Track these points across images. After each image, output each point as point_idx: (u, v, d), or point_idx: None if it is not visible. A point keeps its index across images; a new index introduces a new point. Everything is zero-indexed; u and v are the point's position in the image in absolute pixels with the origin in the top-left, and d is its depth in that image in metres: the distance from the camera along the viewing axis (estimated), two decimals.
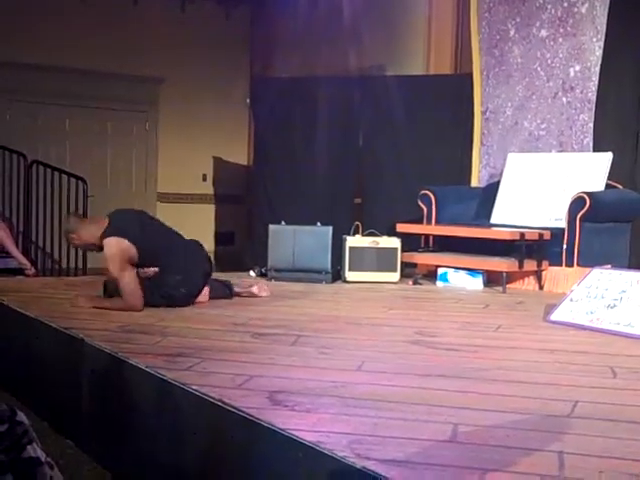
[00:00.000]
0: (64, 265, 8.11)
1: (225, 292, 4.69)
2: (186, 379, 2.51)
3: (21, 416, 1.57)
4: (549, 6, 6.32)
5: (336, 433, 1.98)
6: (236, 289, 4.76)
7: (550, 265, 5.52)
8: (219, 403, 2.25)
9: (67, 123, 9.50)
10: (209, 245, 10.26)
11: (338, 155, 7.63)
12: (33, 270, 7.18)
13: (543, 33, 6.37)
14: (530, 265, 5.46)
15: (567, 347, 3.43)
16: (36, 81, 8.80)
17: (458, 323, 4.03)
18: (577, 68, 6.16)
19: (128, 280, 4.05)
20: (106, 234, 4.11)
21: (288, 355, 3.04)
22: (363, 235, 5.97)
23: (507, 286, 5.40)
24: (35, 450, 1.54)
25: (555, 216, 5.64)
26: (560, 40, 6.26)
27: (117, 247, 4.07)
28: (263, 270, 5.97)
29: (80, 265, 7.87)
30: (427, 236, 6.19)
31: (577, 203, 5.36)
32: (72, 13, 8.97)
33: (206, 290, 4.46)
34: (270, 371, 2.73)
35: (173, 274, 4.26)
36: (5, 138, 8.51)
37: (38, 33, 8.73)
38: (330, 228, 5.77)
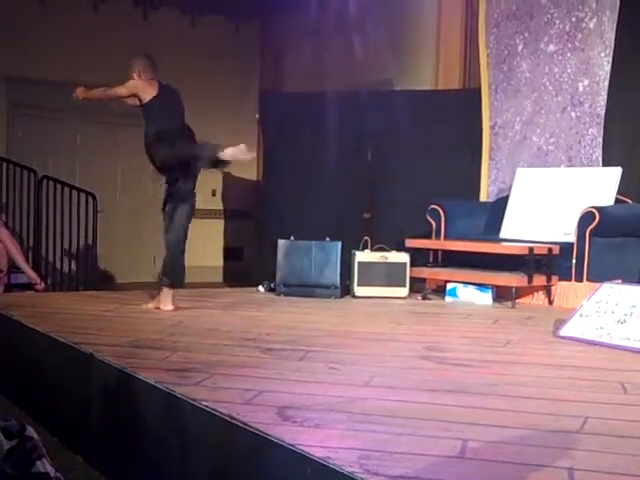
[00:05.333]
0: (74, 280, 8.14)
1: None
2: (195, 394, 2.51)
3: (31, 431, 1.58)
4: (557, 21, 6.34)
5: (345, 449, 1.98)
6: None
7: (559, 280, 5.50)
8: (228, 418, 2.25)
9: (78, 138, 9.54)
10: (218, 260, 10.29)
11: (347, 170, 7.64)
12: (43, 285, 7.20)
13: (551, 48, 6.39)
14: (539, 280, 5.44)
15: (577, 363, 3.42)
16: (46, 96, 8.85)
17: (467, 338, 4.02)
18: (586, 83, 6.16)
19: (118, 89, 4.82)
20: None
21: (297, 370, 3.04)
22: (372, 250, 5.97)
23: (516, 301, 5.38)
24: (44, 465, 1.54)
25: (564, 231, 5.63)
26: (568, 55, 6.27)
27: (143, 81, 4.82)
28: (272, 285, 5.98)
29: (90, 280, 7.90)
30: (436, 251, 6.18)
31: (586, 218, 5.34)
32: (82, 29, 9.03)
33: None
34: (279, 386, 2.73)
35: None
36: (15, 153, 8.56)
37: (49, 48, 8.79)
38: (339, 243, 5.78)
